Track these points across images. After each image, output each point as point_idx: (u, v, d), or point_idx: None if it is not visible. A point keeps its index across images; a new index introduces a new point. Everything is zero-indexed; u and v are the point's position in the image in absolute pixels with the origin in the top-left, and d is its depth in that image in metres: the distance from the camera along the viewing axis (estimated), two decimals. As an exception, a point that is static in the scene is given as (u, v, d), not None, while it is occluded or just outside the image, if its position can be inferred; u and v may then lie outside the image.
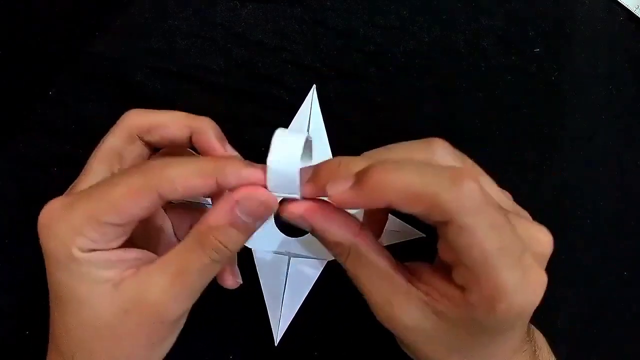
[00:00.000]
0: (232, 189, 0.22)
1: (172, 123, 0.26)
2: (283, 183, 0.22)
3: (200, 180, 0.22)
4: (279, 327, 0.34)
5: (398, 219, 0.34)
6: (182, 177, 0.22)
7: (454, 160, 0.23)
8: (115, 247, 0.23)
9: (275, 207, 0.23)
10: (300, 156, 0.21)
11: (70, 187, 0.25)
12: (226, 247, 0.23)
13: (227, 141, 0.26)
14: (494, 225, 0.19)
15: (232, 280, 0.28)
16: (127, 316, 0.23)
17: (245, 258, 0.33)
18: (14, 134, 0.37)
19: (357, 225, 0.23)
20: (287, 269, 0.34)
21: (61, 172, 0.36)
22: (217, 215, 0.22)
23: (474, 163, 0.24)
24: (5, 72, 0.38)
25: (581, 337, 0.36)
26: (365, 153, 0.23)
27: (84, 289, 0.22)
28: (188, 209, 0.30)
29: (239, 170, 0.22)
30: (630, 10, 0.40)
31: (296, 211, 0.23)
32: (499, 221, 0.19)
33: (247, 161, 0.23)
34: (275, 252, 0.35)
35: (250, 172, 0.22)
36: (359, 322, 0.35)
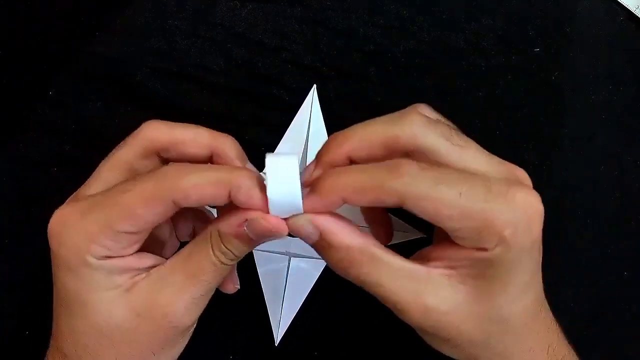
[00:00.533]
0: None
1: (193, 142, 0.24)
2: (286, 209, 0.22)
3: (215, 191, 0.22)
4: (279, 327, 0.34)
5: (398, 219, 0.34)
6: (197, 185, 0.22)
7: (432, 134, 0.22)
8: (129, 254, 0.23)
9: (285, 232, 0.23)
10: (298, 177, 0.22)
11: (76, 192, 0.25)
12: (232, 254, 0.23)
13: (247, 160, 0.26)
14: (443, 182, 0.20)
15: (231, 285, 0.28)
16: (140, 320, 0.23)
17: (245, 258, 0.33)
18: (14, 134, 0.37)
19: (361, 232, 0.23)
20: (287, 269, 0.34)
21: (61, 172, 0.36)
22: (227, 224, 0.23)
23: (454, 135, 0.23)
24: (5, 72, 0.38)
25: (581, 337, 0.35)
26: (352, 127, 0.24)
27: (95, 296, 0.23)
28: (189, 210, 0.30)
29: (251, 191, 0.22)
30: (630, 10, 0.40)
31: (304, 221, 0.23)
32: (446, 176, 0.21)
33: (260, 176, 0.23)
34: (276, 252, 0.35)
35: (261, 197, 0.22)
36: (359, 323, 0.35)
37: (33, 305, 0.35)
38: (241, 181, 0.22)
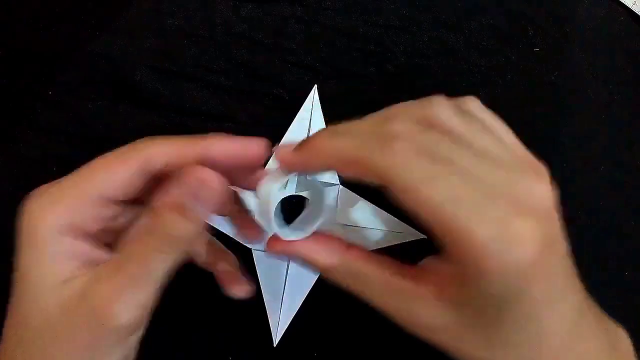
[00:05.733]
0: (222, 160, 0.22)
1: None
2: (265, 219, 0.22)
3: (182, 149, 0.22)
4: (278, 328, 0.33)
5: (398, 220, 0.34)
6: (164, 146, 0.22)
7: (455, 115, 0.21)
8: (93, 229, 0.22)
9: (219, 187, 0.21)
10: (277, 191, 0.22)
11: None
12: (172, 235, 0.21)
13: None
14: (434, 177, 0.18)
15: (239, 288, 0.27)
16: (67, 314, 0.20)
17: (245, 258, 0.33)
18: (14, 134, 0.37)
19: (342, 244, 0.22)
20: (287, 269, 0.34)
21: (61, 172, 0.36)
22: (163, 198, 0.21)
23: (478, 121, 0.22)
24: (5, 72, 0.38)
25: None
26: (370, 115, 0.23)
27: (34, 278, 0.21)
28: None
29: (222, 141, 0.22)
30: (630, 10, 0.40)
31: (277, 247, 0.23)
32: (441, 171, 0.18)
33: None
34: (275, 252, 0.34)
35: (235, 143, 0.22)
36: (359, 323, 0.35)
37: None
38: (212, 140, 0.22)
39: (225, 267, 0.29)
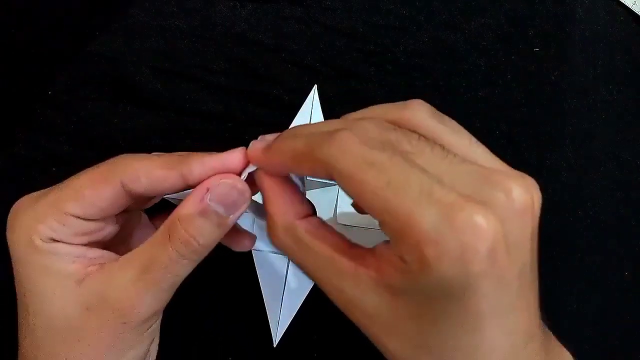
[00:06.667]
0: (198, 183, 0.22)
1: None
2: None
3: (164, 171, 0.22)
4: (278, 328, 0.33)
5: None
6: (146, 167, 0.22)
7: (431, 119, 0.20)
8: (79, 243, 0.22)
9: (248, 193, 0.22)
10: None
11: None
12: (196, 240, 0.21)
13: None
14: (373, 163, 0.17)
15: (248, 241, 0.28)
16: (90, 314, 0.21)
17: (245, 258, 0.33)
18: (14, 134, 0.37)
19: (305, 210, 0.21)
20: (287, 270, 0.34)
21: (61, 172, 0.36)
22: (187, 204, 0.21)
23: (455, 126, 0.21)
24: (5, 72, 0.38)
25: (581, 337, 0.35)
26: (346, 115, 0.23)
27: (46, 283, 0.21)
28: None
29: (202, 159, 0.22)
30: (630, 10, 0.40)
31: (256, 177, 0.22)
32: (384, 158, 0.17)
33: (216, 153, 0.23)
34: (275, 252, 0.34)
35: (214, 159, 0.22)
36: (359, 322, 0.35)
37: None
38: (190, 156, 0.22)
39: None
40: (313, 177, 0.20)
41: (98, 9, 0.39)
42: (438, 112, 0.21)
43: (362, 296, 0.19)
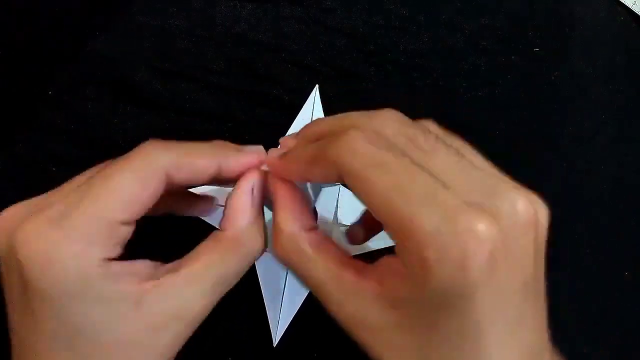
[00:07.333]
0: (230, 176, 0.22)
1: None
2: None
3: (206, 161, 0.21)
4: (278, 328, 0.33)
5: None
6: (188, 157, 0.21)
7: (402, 126, 0.20)
8: (121, 253, 0.20)
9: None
10: None
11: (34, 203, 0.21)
12: (253, 254, 0.22)
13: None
14: (381, 164, 0.17)
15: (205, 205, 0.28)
16: (158, 333, 0.20)
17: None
18: (13, 134, 0.37)
19: (311, 223, 0.22)
20: (287, 270, 0.34)
21: (61, 172, 0.36)
22: (244, 215, 0.22)
23: (428, 132, 0.20)
24: (5, 72, 0.38)
25: (581, 337, 0.35)
26: (329, 117, 0.23)
27: (101, 313, 0.19)
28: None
29: (237, 154, 0.22)
30: (630, 10, 0.40)
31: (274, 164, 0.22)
32: (391, 159, 0.17)
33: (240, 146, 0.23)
34: (275, 252, 0.34)
35: (249, 156, 0.23)
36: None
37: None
38: (229, 152, 0.22)
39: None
40: (327, 181, 0.20)
41: (98, 9, 0.39)
42: (408, 121, 0.21)
43: (363, 310, 0.19)
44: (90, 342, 0.19)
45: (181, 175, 0.21)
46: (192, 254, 0.21)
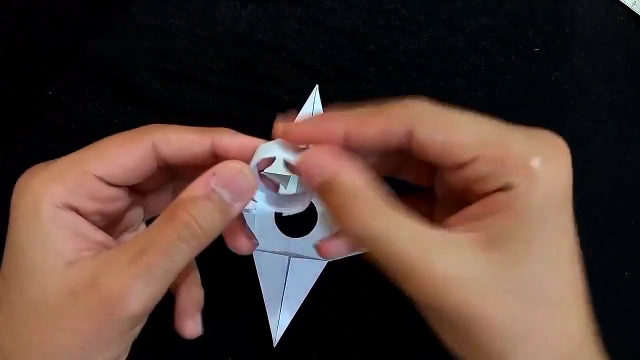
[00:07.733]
0: (224, 155, 0.22)
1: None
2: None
3: (195, 135, 0.22)
4: (278, 328, 0.33)
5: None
6: (177, 131, 0.22)
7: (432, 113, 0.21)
8: (91, 209, 0.21)
9: (254, 181, 0.21)
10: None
11: None
12: (197, 224, 0.20)
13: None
14: (452, 110, 0.20)
15: (192, 326, 0.25)
16: (73, 300, 0.19)
17: (245, 258, 0.33)
18: (13, 134, 0.37)
19: (369, 174, 0.20)
20: (287, 270, 0.34)
21: (61, 172, 0.36)
22: (193, 187, 0.20)
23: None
24: (5, 72, 0.38)
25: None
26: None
27: (37, 258, 0.19)
28: None
29: (234, 133, 0.22)
30: (630, 10, 0.40)
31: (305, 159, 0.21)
32: (467, 114, 0.20)
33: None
34: (275, 252, 0.34)
35: (246, 136, 0.23)
36: (359, 324, 0.35)
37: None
38: (223, 130, 0.22)
39: (190, 298, 0.26)
40: (377, 143, 0.20)
41: (98, 9, 0.39)
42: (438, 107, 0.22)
43: (454, 259, 0.18)
44: (20, 288, 0.19)
45: (172, 150, 0.22)
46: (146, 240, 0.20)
